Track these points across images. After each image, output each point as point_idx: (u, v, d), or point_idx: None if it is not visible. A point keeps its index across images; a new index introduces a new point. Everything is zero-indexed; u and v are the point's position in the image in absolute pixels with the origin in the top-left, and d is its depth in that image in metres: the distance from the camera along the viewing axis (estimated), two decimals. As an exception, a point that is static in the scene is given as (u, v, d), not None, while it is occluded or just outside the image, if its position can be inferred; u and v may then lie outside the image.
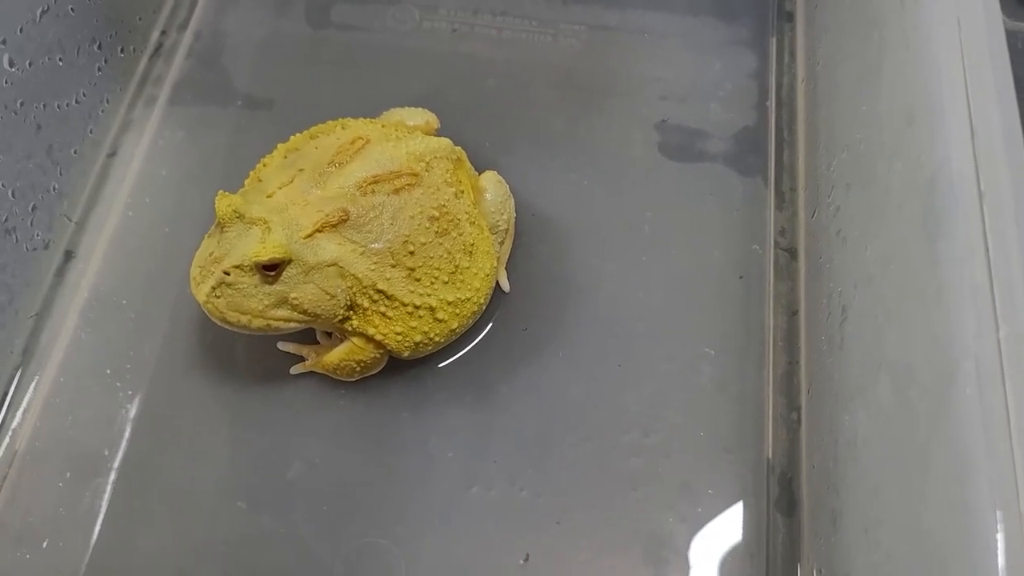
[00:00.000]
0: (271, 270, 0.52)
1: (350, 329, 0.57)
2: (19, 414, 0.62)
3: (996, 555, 0.36)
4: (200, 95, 0.76)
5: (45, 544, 0.57)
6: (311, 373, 0.62)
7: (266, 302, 0.54)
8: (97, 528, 0.58)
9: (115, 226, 0.69)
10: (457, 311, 0.58)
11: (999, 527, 0.36)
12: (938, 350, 0.43)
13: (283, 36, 0.79)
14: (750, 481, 0.60)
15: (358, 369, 0.59)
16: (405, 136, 0.60)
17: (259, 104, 0.75)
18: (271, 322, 0.55)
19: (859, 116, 0.59)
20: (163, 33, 0.79)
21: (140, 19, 0.76)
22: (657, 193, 0.71)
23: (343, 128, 0.61)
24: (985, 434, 0.38)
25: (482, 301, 0.60)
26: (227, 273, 0.52)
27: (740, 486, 0.59)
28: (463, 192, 0.60)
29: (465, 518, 0.58)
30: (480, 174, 0.65)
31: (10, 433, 0.61)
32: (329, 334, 0.61)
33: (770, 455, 0.61)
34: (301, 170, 0.57)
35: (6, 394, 0.62)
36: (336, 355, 0.59)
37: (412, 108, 0.68)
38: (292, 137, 0.62)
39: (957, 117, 0.45)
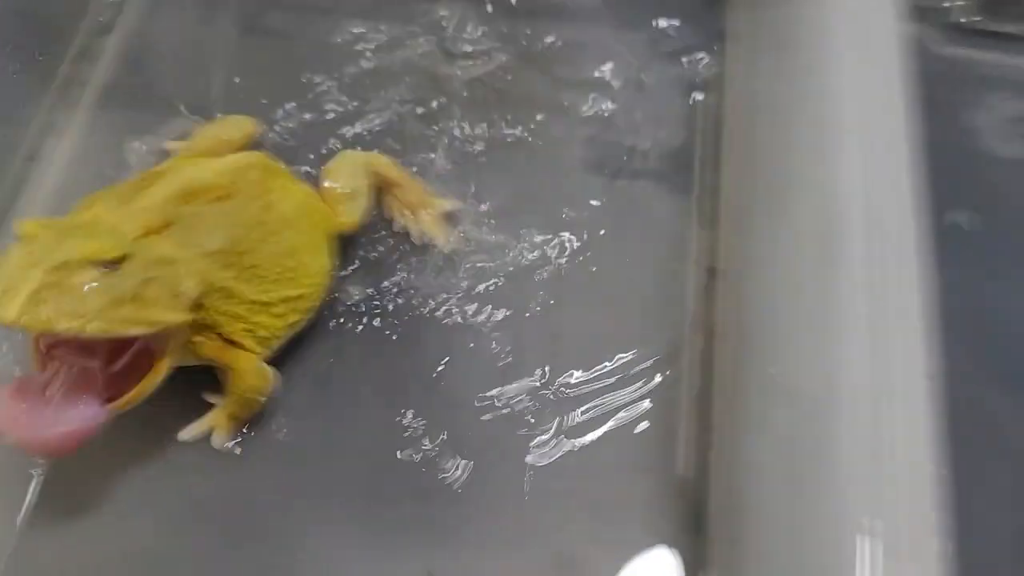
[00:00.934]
0: (108, 267, 0.49)
1: (209, 353, 0.57)
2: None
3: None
4: (126, 99, 0.74)
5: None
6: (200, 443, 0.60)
7: (105, 299, 0.49)
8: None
9: (32, 232, 0.68)
10: (294, 307, 0.61)
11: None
12: (825, 381, 0.43)
13: (212, 41, 0.78)
14: (662, 502, 0.60)
15: (256, 394, 0.59)
16: (209, 160, 0.62)
17: (185, 109, 0.74)
18: (111, 327, 0.49)
19: (775, 144, 0.60)
20: (87, 36, 0.77)
21: (63, 21, 0.75)
22: (584, 210, 0.71)
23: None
24: (858, 465, 0.39)
25: (316, 296, 0.63)
26: (56, 273, 0.47)
27: (651, 507, 0.60)
28: (275, 201, 0.61)
29: (367, 532, 0.58)
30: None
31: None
32: (216, 390, 0.61)
33: (681, 477, 0.61)
34: (104, 200, 0.57)
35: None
36: (232, 397, 0.59)
37: (233, 117, 0.71)
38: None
39: (855, 153, 0.46)
